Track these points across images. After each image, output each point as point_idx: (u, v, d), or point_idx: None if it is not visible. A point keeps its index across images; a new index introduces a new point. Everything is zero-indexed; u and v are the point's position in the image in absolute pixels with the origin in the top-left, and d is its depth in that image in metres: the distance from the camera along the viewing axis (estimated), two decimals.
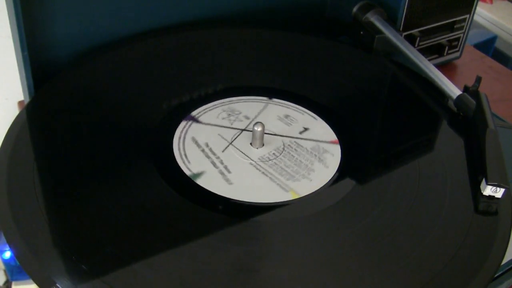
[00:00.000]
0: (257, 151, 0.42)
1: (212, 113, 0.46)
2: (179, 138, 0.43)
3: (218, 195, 0.38)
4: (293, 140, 0.44)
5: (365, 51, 0.56)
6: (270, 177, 0.40)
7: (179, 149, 0.42)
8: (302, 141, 0.43)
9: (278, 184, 0.40)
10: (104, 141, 0.42)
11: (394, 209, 0.38)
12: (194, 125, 0.44)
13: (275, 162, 0.41)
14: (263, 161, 0.41)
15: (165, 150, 0.42)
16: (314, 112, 0.47)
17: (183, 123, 0.44)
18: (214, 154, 0.42)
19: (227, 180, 0.40)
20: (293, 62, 0.53)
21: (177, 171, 0.40)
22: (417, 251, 0.35)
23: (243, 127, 0.44)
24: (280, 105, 0.47)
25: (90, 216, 0.36)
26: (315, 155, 0.42)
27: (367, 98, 0.50)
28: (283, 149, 0.43)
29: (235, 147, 0.43)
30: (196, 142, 0.42)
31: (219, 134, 0.44)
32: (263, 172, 0.40)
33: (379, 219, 0.37)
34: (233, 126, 0.45)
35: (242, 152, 0.42)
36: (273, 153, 0.42)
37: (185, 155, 0.41)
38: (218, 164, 0.41)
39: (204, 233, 0.35)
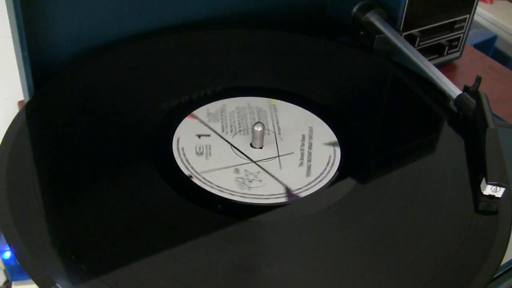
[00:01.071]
0: (252, 149, 0.42)
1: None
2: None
3: (218, 195, 0.38)
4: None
5: (365, 51, 0.56)
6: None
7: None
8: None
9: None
10: (104, 141, 0.42)
11: (394, 209, 0.38)
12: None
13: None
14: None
15: (165, 150, 0.42)
16: (314, 113, 0.47)
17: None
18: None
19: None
20: (293, 62, 0.53)
21: (177, 171, 0.40)
22: (417, 251, 0.35)
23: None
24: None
25: (90, 216, 0.36)
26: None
27: (367, 98, 0.50)
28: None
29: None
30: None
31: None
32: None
33: (379, 219, 0.37)
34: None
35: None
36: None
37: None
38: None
39: (204, 233, 0.35)
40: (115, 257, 0.33)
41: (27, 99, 0.46)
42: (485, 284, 0.33)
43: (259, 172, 0.41)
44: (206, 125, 0.45)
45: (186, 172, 0.40)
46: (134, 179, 0.39)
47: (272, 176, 0.40)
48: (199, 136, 0.44)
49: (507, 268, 0.39)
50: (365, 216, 0.38)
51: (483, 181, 0.39)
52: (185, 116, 0.45)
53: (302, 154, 0.42)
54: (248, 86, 0.49)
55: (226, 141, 0.43)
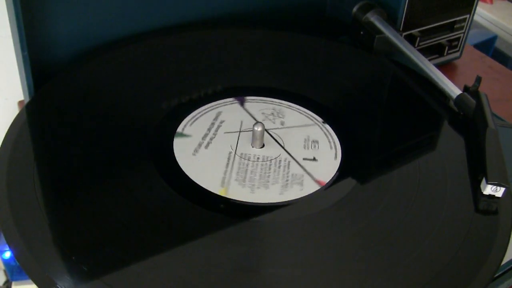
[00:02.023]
0: (252, 149, 0.42)
1: (259, 105, 0.47)
2: (194, 116, 0.44)
3: (218, 195, 0.38)
4: (289, 159, 0.42)
5: (365, 51, 0.56)
6: (226, 169, 0.40)
7: (184, 126, 0.42)
8: (296, 165, 0.42)
9: (224, 177, 0.40)
10: (104, 141, 0.42)
11: (394, 209, 0.38)
12: (236, 105, 0.47)
13: (247, 164, 0.41)
14: (240, 157, 0.42)
15: (165, 150, 0.42)
16: (314, 113, 0.47)
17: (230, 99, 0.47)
18: (216, 131, 0.43)
19: (195, 151, 0.41)
20: (293, 62, 0.53)
21: (177, 171, 0.40)
22: (417, 251, 0.35)
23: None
24: (322, 130, 0.45)
25: (90, 216, 0.36)
26: (287, 181, 0.40)
27: (367, 98, 0.50)
28: (271, 160, 0.42)
29: (238, 137, 0.43)
30: (216, 116, 0.45)
31: (241, 121, 0.45)
32: (227, 163, 0.41)
33: (379, 219, 0.37)
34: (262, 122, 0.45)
35: (237, 143, 0.43)
36: (258, 157, 0.42)
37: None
38: (207, 138, 0.42)
39: (204, 233, 0.35)
40: (115, 257, 0.33)
41: (27, 99, 0.46)
42: (485, 284, 0.33)
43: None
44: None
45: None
46: (134, 179, 0.39)
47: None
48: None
49: (507, 268, 0.39)
50: (365, 216, 0.38)
51: (483, 181, 0.39)
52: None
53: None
54: (248, 86, 0.49)
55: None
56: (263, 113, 0.46)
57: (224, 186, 0.39)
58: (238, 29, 0.57)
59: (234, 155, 0.42)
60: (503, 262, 0.36)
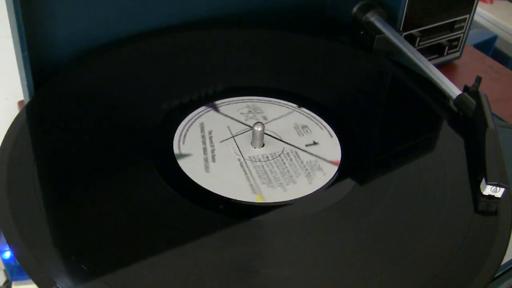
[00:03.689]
0: (254, 150, 0.43)
1: (233, 106, 0.47)
2: (180, 134, 0.43)
3: (218, 195, 0.38)
4: (294, 149, 0.43)
5: (365, 51, 0.56)
6: (247, 176, 0.40)
7: (179, 146, 0.42)
8: (303, 153, 0.43)
9: (251, 184, 0.39)
10: (104, 141, 0.42)
11: (394, 209, 0.38)
12: (212, 112, 0.46)
13: (262, 165, 0.41)
14: (251, 160, 0.41)
15: (165, 150, 0.42)
16: (314, 113, 0.47)
17: (201, 109, 0.46)
18: (211, 142, 0.42)
19: (207, 168, 0.40)
20: (293, 62, 0.53)
21: (177, 171, 0.40)
22: (417, 251, 0.35)
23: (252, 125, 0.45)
24: (303, 115, 0.46)
25: (90, 216, 0.36)
26: (306, 170, 0.41)
27: (367, 98, 0.50)
28: (279, 155, 0.42)
29: (235, 142, 0.43)
30: (201, 128, 0.44)
31: (227, 127, 0.44)
32: (244, 170, 0.41)
33: (379, 219, 0.37)
34: (246, 122, 0.45)
35: (239, 148, 0.42)
36: (267, 156, 0.42)
37: (184, 138, 0.42)
38: (208, 151, 0.42)
39: (204, 233, 0.35)
40: (115, 257, 0.33)
41: (27, 99, 0.46)
42: (485, 284, 0.33)
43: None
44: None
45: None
46: (135, 179, 0.39)
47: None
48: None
49: (507, 268, 0.39)
50: (365, 216, 0.38)
51: (483, 181, 0.39)
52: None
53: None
54: (248, 86, 0.49)
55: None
56: (241, 113, 0.46)
57: (257, 193, 0.39)
58: (238, 29, 0.57)
59: (245, 160, 0.42)
60: (503, 262, 0.37)
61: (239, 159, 0.42)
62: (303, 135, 0.44)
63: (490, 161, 0.39)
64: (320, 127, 0.45)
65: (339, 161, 0.42)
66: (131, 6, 0.52)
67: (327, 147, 0.43)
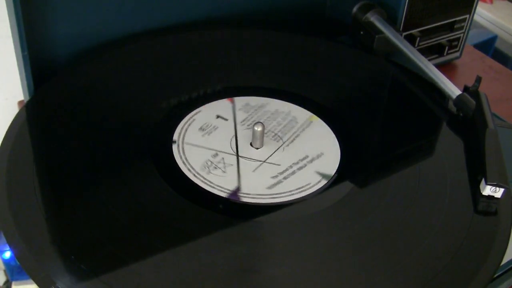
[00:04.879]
0: (255, 150, 0.43)
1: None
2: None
3: (218, 195, 0.38)
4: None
5: (365, 51, 0.56)
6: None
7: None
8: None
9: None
10: (104, 141, 0.42)
11: (394, 209, 0.38)
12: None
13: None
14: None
15: (165, 150, 0.42)
16: (314, 113, 0.47)
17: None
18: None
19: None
20: (293, 62, 0.53)
21: (177, 171, 0.40)
22: (417, 251, 0.35)
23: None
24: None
25: (90, 216, 0.36)
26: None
27: (367, 98, 0.50)
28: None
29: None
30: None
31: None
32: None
33: (379, 219, 0.37)
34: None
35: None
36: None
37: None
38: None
39: (204, 233, 0.35)
40: (115, 257, 0.33)
41: (27, 99, 0.46)
42: (485, 284, 0.33)
43: (232, 165, 0.41)
44: (233, 112, 0.46)
45: (185, 171, 0.40)
46: (134, 178, 0.39)
47: (238, 173, 0.40)
48: (218, 116, 0.45)
49: (507, 268, 0.39)
50: (365, 216, 0.38)
51: (483, 181, 0.39)
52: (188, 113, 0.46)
53: (286, 170, 0.42)
54: (248, 86, 0.49)
55: (235, 130, 0.44)
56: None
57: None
58: (238, 29, 0.57)
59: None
60: (503, 262, 0.37)
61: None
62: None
63: (490, 161, 0.39)
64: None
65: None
66: (131, 6, 0.52)
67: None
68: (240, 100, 0.48)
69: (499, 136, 0.41)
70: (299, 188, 0.40)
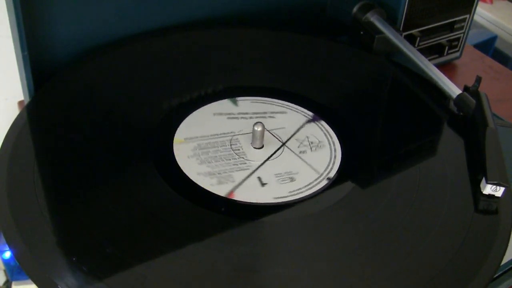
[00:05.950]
0: (255, 150, 0.43)
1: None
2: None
3: (218, 195, 0.38)
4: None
5: (365, 51, 0.56)
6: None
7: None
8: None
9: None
10: (104, 141, 0.42)
11: (394, 209, 0.38)
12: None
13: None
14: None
15: (165, 150, 0.42)
16: (314, 113, 0.47)
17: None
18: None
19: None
20: (293, 62, 0.53)
21: (177, 171, 0.40)
22: (417, 251, 0.35)
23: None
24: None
25: (90, 216, 0.36)
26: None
27: (367, 98, 0.50)
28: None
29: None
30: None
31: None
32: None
33: (379, 219, 0.37)
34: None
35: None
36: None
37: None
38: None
39: (204, 233, 0.35)
40: (115, 258, 0.33)
41: (27, 99, 0.46)
42: (485, 284, 0.33)
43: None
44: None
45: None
46: (135, 179, 0.39)
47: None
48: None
49: (507, 268, 0.39)
50: (365, 216, 0.38)
51: (483, 180, 0.39)
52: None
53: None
54: (248, 86, 0.49)
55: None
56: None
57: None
58: (238, 29, 0.57)
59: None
60: (503, 262, 0.37)
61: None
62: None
63: (490, 161, 0.39)
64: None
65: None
66: (130, 6, 0.52)
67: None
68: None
69: (499, 135, 0.41)
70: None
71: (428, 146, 0.45)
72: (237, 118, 0.46)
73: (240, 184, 0.40)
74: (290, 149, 0.43)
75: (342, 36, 0.60)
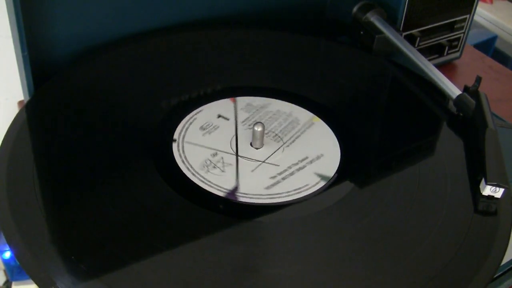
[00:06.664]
0: (255, 150, 0.43)
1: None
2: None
3: (218, 196, 0.38)
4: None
5: (365, 51, 0.56)
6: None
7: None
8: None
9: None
10: (104, 141, 0.42)
11: (394, 209, 0.38)
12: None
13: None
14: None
15: (165, 149, 0.42)
16: (314, 113, 0.47)
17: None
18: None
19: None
20: (293, 62, 0.53)
21: (177, 171, 0.40)
22: (417, 251, 0.35)
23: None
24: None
25: (90, 216, 0.36)
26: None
27: (367, 98, 0.50)
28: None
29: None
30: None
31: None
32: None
33: (379, 219, 0.37)
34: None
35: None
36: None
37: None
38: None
39: (204, 233, 0.35)
40: (115, 257, 0.33)
41: (27, 99, 0.46)
42: (485, 284, 0.33)
43: (230, 164, 0.41)
44: (235, 111, 0.46)
45: (185, 170, 0.40)
46: (134, 178, 0.39)
47: (237, 173, 0.40)
48: (219, 116, 0.45)
49: (507, 268, 0.39)
50: (365, 216, 0.38)
51: (483, 181, 0.39)
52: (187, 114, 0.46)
53: (285, 170, 0.42)
54: (248, 86, 0.49)
55: (236, 130, 0.44)
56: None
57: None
58: (238, 29, 0.57)
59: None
60: (503, 262, 0.36)
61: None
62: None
63: (490, 161, 0.39)
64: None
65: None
66: (130, 6, 0.52)
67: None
68: (242, 100, 0.48)
69: (499, 136, 0.41)
70: (297, 189, 0.40)
71: (427, 146, 0.45)
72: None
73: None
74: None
75: (342, 36, 0.60)
